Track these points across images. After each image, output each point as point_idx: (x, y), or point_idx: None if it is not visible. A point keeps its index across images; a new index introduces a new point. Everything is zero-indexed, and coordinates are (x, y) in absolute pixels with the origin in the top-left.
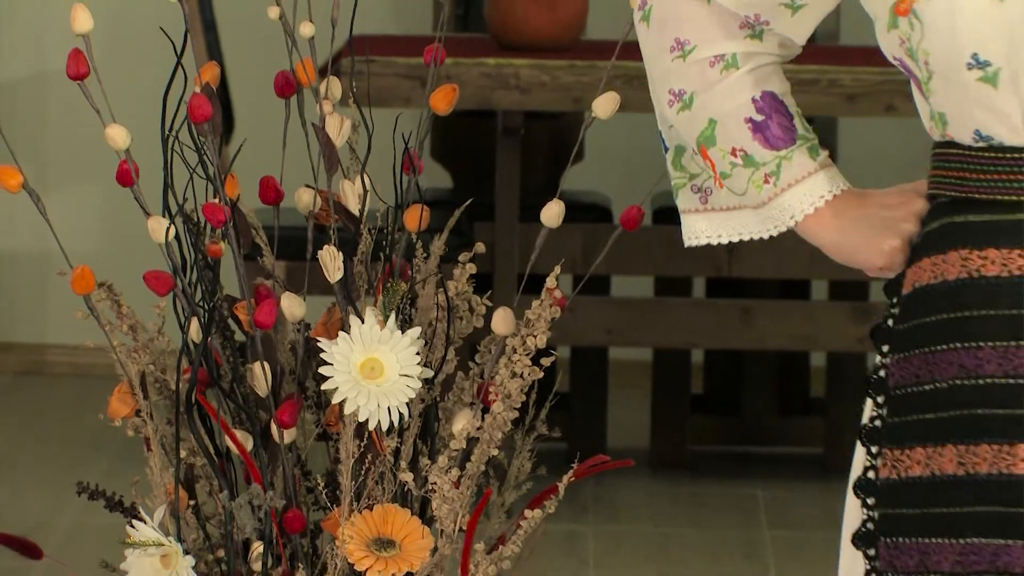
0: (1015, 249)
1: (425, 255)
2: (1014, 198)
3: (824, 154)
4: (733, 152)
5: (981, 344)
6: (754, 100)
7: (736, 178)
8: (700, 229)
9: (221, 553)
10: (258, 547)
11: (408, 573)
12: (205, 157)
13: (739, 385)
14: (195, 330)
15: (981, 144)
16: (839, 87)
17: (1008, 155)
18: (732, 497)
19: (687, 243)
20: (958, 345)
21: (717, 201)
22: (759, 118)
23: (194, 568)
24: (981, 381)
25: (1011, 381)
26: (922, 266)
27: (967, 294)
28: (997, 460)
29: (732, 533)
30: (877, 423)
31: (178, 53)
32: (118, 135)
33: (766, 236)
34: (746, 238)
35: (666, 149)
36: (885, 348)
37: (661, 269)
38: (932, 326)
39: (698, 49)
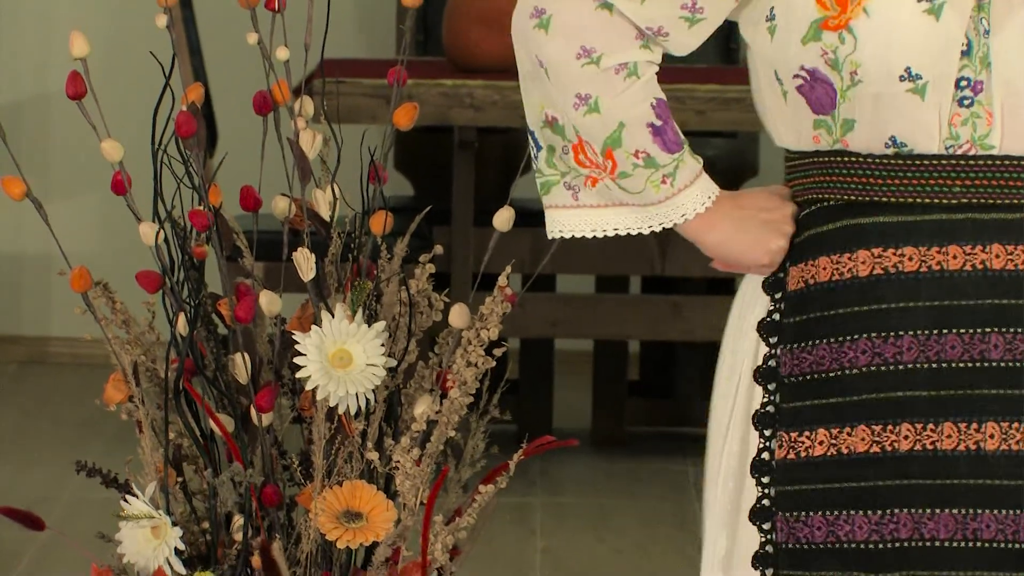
0: (933, 247)
1: (389, 256)
2: (928, 200)
3: (701, 159)
4: (636, 154)
5: (901, 333)
6: (653, 107)
7: (636, 178)
8: (570, 224)
9: (206, 525)
10: (239, 519)
11: (374, 543)
12: (191, 168)
13: (671, 372)
14: (182, 324)
15: (889, 151)
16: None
17: (920, 162)
18: (665, 472)
19: (551, 235)
20: (874, 335)
21: (587, 199)
22: (658, 123)
23: (181, 538)
24: (902, 367)
25: (934, 366)
26: (818, 264)
27: (883, 289)
28: (921, 438)
29: (665, 505)
30: (770, 408)
31: (167, 75)
32: (113, 149)
33: (646, 231)
34: (622, 232)
35: (539, 148)
36: (774, 340)
37: (601, 269)
38: (840, 319)
39: (605, 57)
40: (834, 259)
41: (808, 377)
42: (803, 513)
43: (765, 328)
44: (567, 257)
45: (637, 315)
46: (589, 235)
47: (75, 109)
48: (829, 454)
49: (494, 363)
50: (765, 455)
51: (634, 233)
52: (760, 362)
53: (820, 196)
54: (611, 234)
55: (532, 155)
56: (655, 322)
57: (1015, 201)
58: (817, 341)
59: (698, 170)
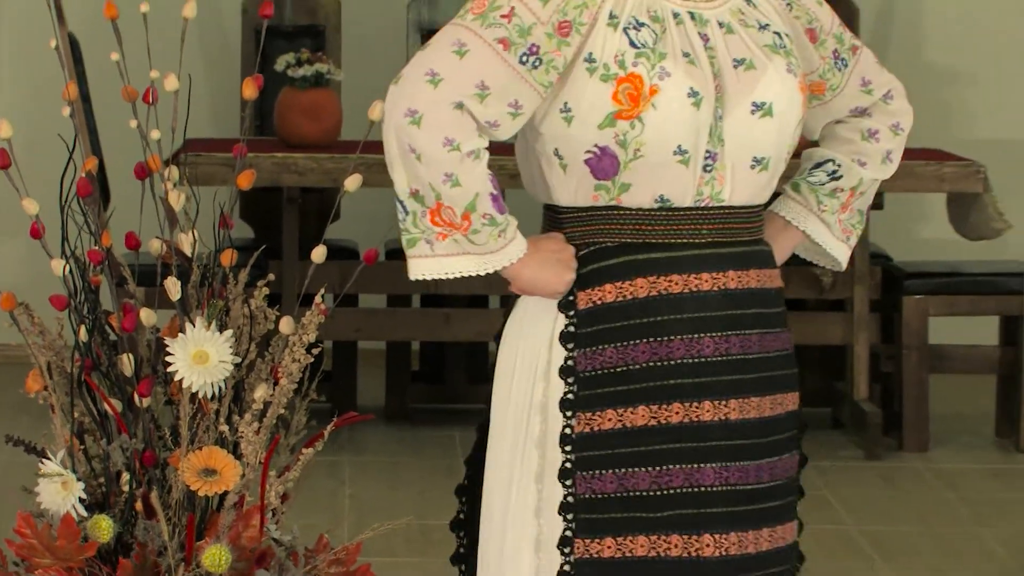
0: (691, 274)
1: (235, 282)
2: (685, 240)
3: (515, 219)
4: (484, 216)
5: (672, 338)
6: (490, 180)
7: (483, 233)
8: (429, 269)
9: (102, 480)
10: (126, 476)
11: (225, 491)
12: (88, 219)
13: (443, 364)
14: (83, 333)
15: (656, 205)
16: (506, 170)
17: (678, 213)
18: (439, 438)
19: (413, 278)
20: (651, 339)
21: (440, 250)
22: (495, 192)
23: (83, 490)
24: (673, 362)
25: (696, 360)
26: (604, 290)
27: (658, 306)
28: (688, 413)
29: (439, 462)
30: (570, 396)
31: (70, 150)
32: (30, 205)
33: (482, 273)
34: (466, 274)
35: (406, 213)
36: (571, 346)
37: (391, 289)
38: (625, 328)
39: (462, 145)
40: (618, 285)
41: (599, 372)
42: (597, 471)
43: (564, 338)
44: (366, 281)
45: (418, 323)
46: (443, 276)
47: (2, 175)
48: (616, 427)
49: (312, 359)
50: (567, 430)
51: (473, 275)
52: (561, 362)
53: (598, 240)
54: (457, 276)
55: (400, 219)
56: (431, 328)
57: (741, 239)
58: (606, 346)
59: (515, 225)
